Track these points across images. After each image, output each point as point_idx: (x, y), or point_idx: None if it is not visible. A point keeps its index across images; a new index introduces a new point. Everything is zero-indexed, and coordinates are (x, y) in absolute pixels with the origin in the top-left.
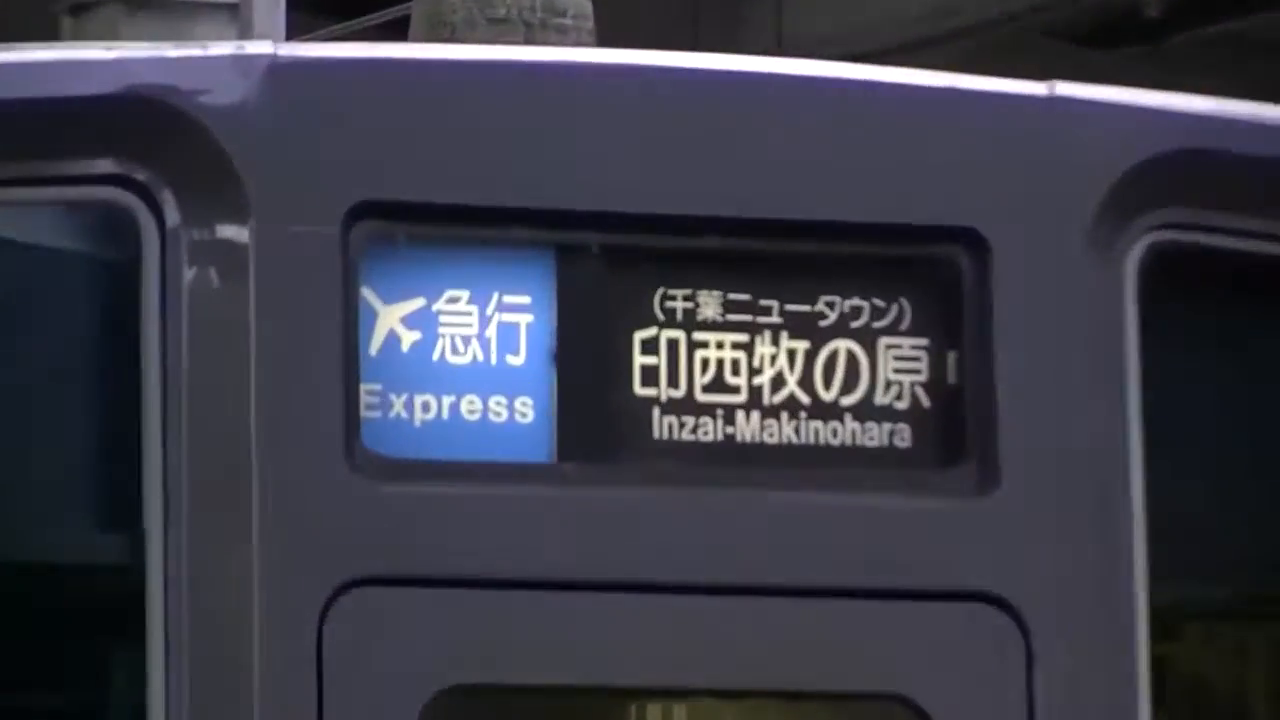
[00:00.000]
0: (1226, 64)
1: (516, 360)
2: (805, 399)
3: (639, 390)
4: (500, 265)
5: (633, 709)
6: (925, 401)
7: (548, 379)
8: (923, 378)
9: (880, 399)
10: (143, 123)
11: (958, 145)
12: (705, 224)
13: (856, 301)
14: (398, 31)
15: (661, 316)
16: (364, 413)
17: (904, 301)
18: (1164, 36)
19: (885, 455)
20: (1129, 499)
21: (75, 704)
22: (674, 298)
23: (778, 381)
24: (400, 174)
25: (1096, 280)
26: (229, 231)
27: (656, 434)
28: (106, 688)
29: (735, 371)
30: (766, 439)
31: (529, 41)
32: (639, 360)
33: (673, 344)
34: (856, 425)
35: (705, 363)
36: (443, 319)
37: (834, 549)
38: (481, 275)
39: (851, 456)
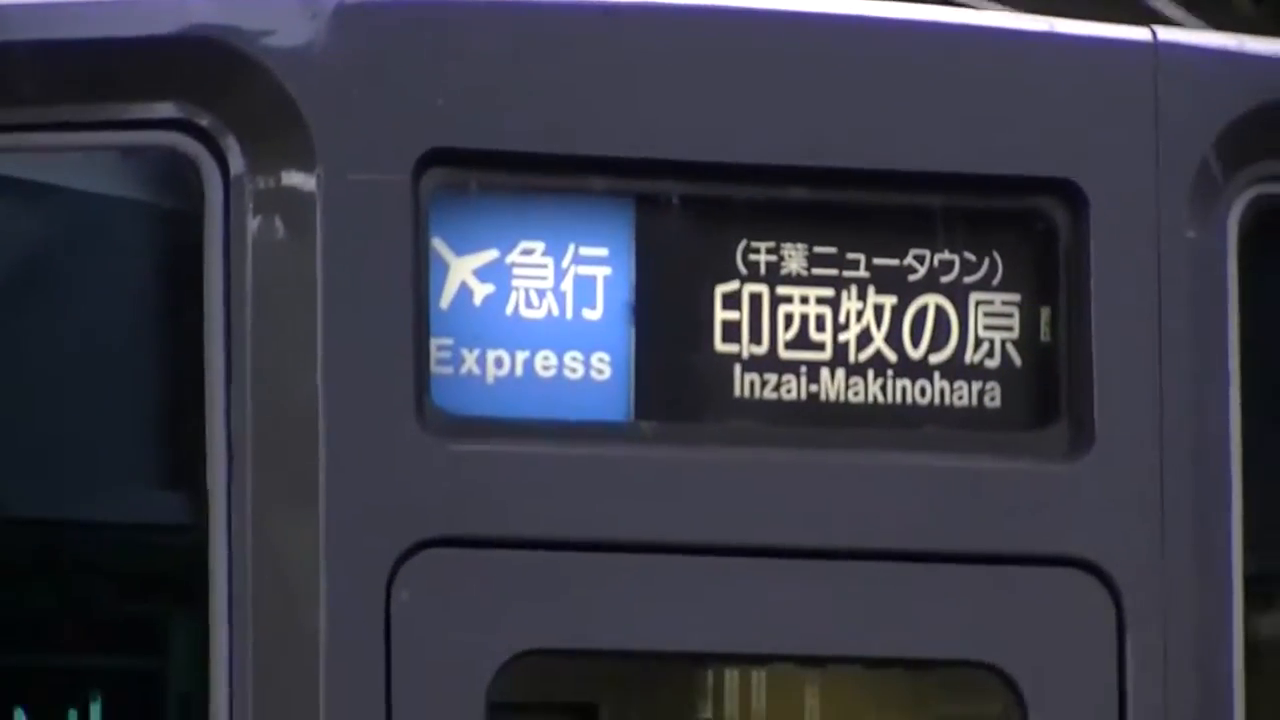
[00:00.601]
0: None
1: (593, 315)
2: (892, 356)
3: (720, 346)
4: (577, 216)
5: (710, 676)
6: (1017, 360)
7: (625, 334)
8: (1014, 335)
9: (970, 357)
10: (206, 66)
11: (1055, 93)
12: (790, 174)
13: (946, 255)
14: None
15: (744, 270)
16: (434, 369)
17: (996, 256)
18: None
19: (974, 415)
20: (1226, 462)
21: (138, 667)
22: (757, 250)
23: (864, 338)
24: (473, 120)
25: (1198, 235)
26: (295, 179)
27: (737, 392)
28: (169, 651)
29: (820, 327)
30: (851, 398)
31: None
32: (720, 315)
33: (755, 298)
34: (945, 384)
35: (789, 318)
36: (516, 271)
37: (920, 512)
38: (557, 226)
39: (939, 416)
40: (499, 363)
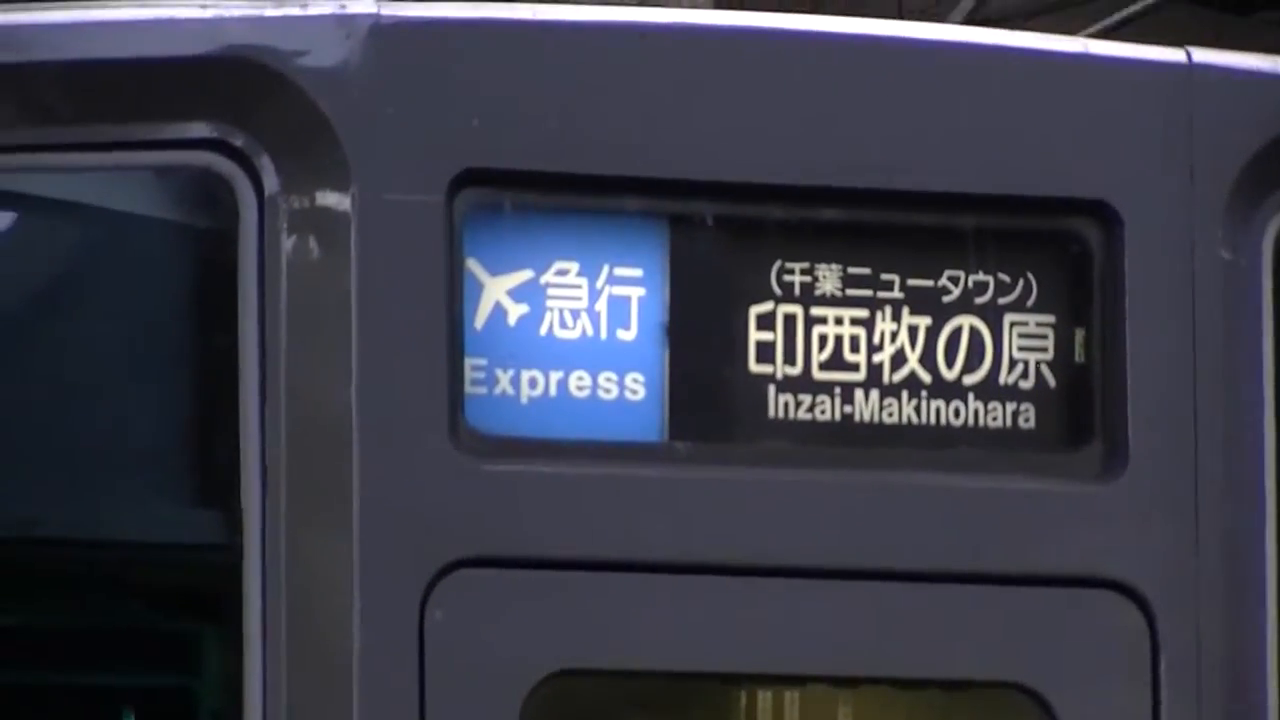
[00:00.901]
0: None
1: (627, 335)
2: (926, 377)
3: (754, 367)
4: (611, 236)
5: (744, 696)
6: (1051, 381)
7: (659, 355)
8: (1049, 356)
9: (1004, 378)
10: (240, 85)
11: (1090, 114)
12: (824, 195)
13: (981, 276)
14: None
15: (778, 291)
16: (468, 389)
17: (1030, 276)
18: None
19: (1009, 436)
20: (1260, 483)
21: (171, 685)
22: (791, 271)
23: (898, 359)
24: (507, 141)
25: (1232, 256)
26: (329, 199)
27: (771, 413)
28: (202, 670)
29: (854, 348)
30: (886, 419)
31: (643, 3)
32: (754, 336)
33: (789, 319)
34: (979, 405)
35: (823, 339)
36: (551, 291)
37: (954, 532)
38: (591, 246)
39: (974, 437)
40: (533, 383)
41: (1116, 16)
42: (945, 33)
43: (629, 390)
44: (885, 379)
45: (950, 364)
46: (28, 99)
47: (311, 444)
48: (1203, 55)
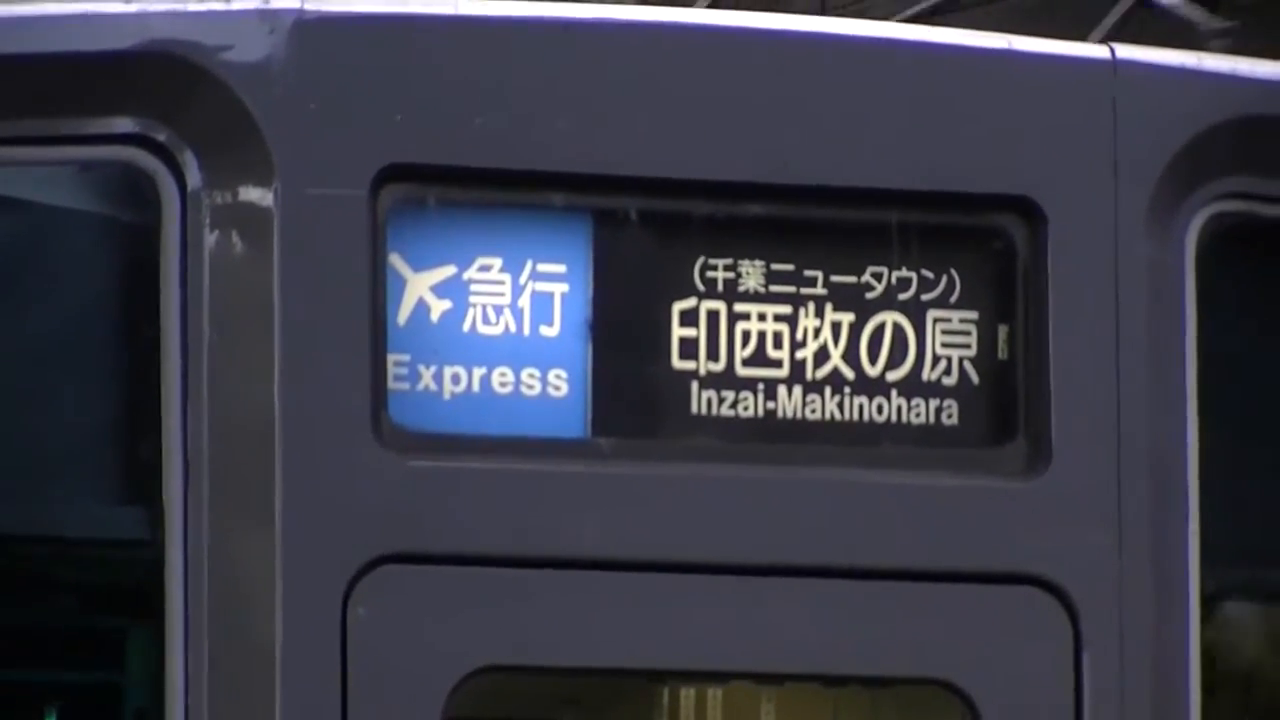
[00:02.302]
0: None
1: (550, 331)
2: (850, 374)
3: (677, 363)
4: (534, 232)
5: (667, 693)
6: (974, 377)
7: (582, 351)
8: (972, 353)
9: (927, 374)
10: (163, 80)
11: (1014, 110)
12: (748, 190)
13: (904, 273)
14: None
15: (701, 287)
16: (391, 384)
17: (954, 273)
18: None
19: (932, 433)
20: (1183, 480)
21: (93, 682)
22: (714, 267)
23: (821, 355)
24: (430, 136)
25: (1156, 252)
26: (252, 195)
27: (695, 409)
28: (125, 667)
29: (777, 345)
30: (809, 415)
31: None
32: (677, 332)
33: (713, 315)
34: (902, 401)
35: (746, 335)
36: (474, 288)
37: (876, 529)
38: (515, 242)
39: (897, 434)
40: (456, 379)
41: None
42: (868, 29)
43: (552, 386)
44: (808, 375)
45: (873, 360)
46: None
47: (234, 440)
48: (1126, 50)
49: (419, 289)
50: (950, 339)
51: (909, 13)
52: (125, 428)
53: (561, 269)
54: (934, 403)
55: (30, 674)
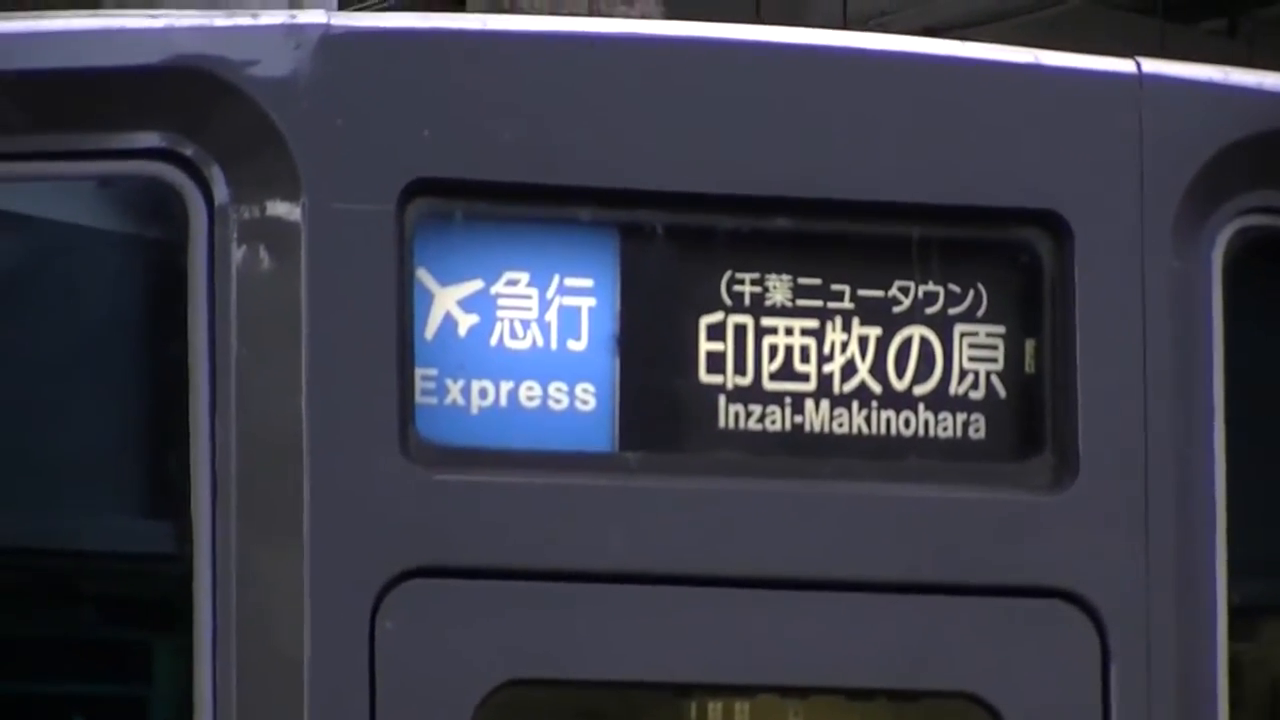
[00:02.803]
0: None
1: (578, 345)
2: (877, 388)
3: (704, 377)
4: (562, 246)
5: (694, 707)
6: (1001, 391)
7: (610, 365)
8: (999, 366)
9: (954, 388)
10: (190, 95)
11: (1039, 124)
12: (775, 205)
13: (931, 287)
14: (456, 3)
15: (729, 301)
16: (419, 399)
17: (981, 287)
18: (1243, 11)
19: (959, 447)
20: (1211, 493)
21: (122, 697)
22: (742, 281)
23: (848, 369)
24: (458, 150)
25: (1182, 266)
26: (280, 209)
27: (722, 423)
28: (153, 680)
29: (804, 359)
30: (836, 429)
31: (593, 12)
32: (705, 346)
33: (740, 330)
34: (929, 415)
35: (773, 349)
36: (501, 302)
37: (905, 543)
38: (542, 257)
39: (924, 448)
40: (483, 393)
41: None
42: (895, 43)
43: (579, 400)
44: (835, 389)
45: (900, 374)
46: None
47: (262, 454)
48: (1152, 65)
49: (446, 303)
50: (977, 353)
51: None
52: (153, 442)
53: (589, 283)
54: (961, 417)
55: (58, 686)
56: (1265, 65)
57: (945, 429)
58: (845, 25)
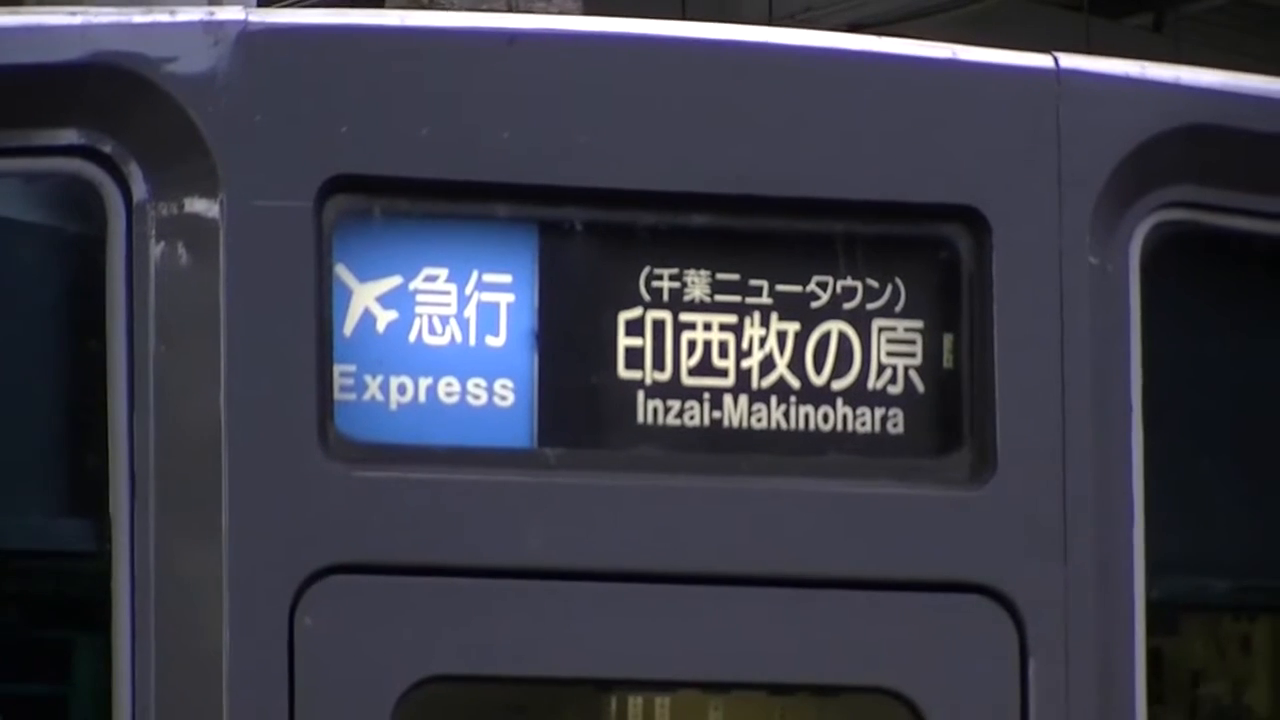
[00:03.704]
0: (1233, 35)
1: (496, 341)
2: (795, 383)
3: (623, 373)
4: (480, 243)
5: (614, 702)
6: (920, 386)
7: (528, 361)
8: (917, 362)
9: (873, 383)
10: (108, 92)
11: (957, 119)
12: (693, 201)
13: (849, 282)
14: None
15: (647, 296)
16: (337, 395)
17: (899, 282)
18: (1169, 6)
19: (877, 442)
20: (1129, 488)
21: (40, 695)
22: (660, 277)
23: (767, 364)
24: (376, 147)
25: (1100, 261)
26: (198, 206)
27: (641, 418)
28: (72, 678)
29: (723, 354)
30: (755, 424)
31: (512, 9)
32: (623, 342)
33: (658, 325)
34: (848, 410)
35: (692, 345)
36: (420, 298)
37: (823, 538)
38: (460, 253)
39: (843, 443)
40: (402, 389)
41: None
42: (813, 39)
43: (498, 396)
44: (754, 384)
45: (819, 369)
46: None
47: (180, 451)
48: (1070, 60)
49: (365, 299)
50: (895, 348)
51: (852, 21)
52: (71, 439)
53: (507, 279)
54: (879, 412)
55: None
56: (1191, 60)
57: (864, 424)
58: (771, 21)
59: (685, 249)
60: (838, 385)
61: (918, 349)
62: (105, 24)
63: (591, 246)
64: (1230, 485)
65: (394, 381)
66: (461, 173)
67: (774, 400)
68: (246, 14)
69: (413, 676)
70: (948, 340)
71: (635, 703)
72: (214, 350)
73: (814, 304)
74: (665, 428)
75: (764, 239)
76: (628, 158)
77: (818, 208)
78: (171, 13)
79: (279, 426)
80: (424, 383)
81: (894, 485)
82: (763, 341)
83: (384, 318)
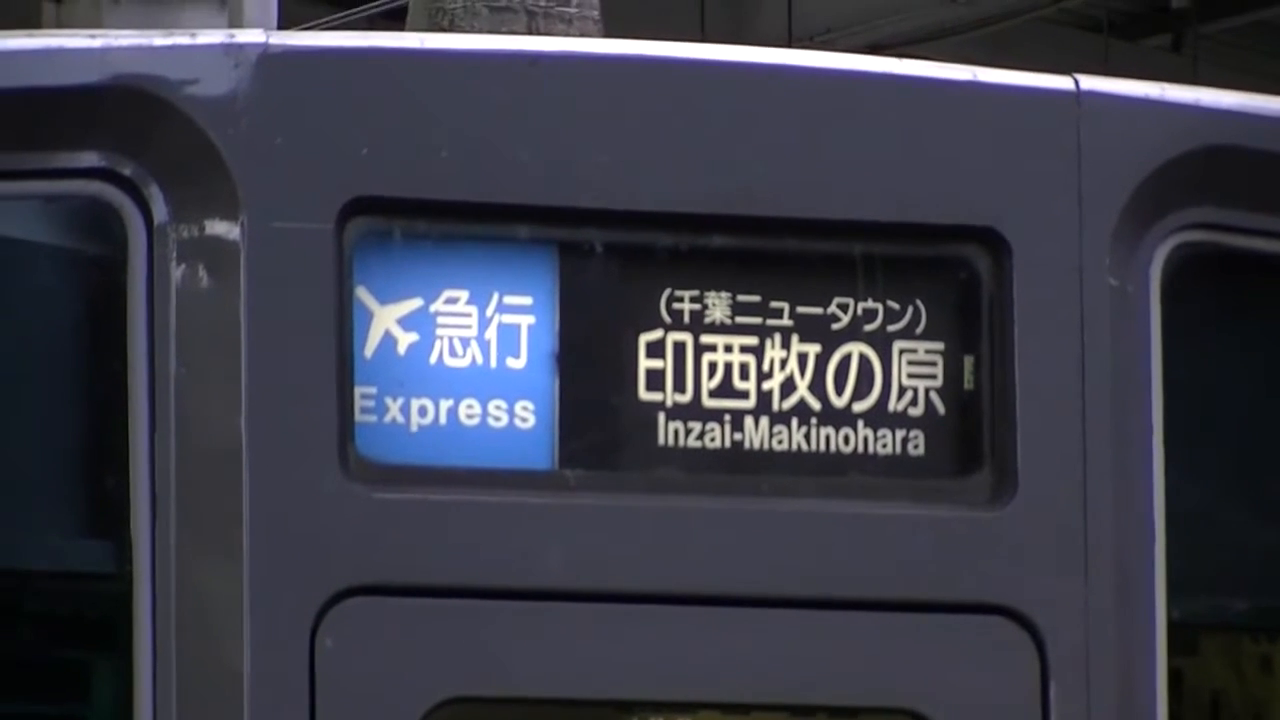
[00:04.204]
0: (1252, 57)
1: (517, 363)
2: (816, 405)
3: (644, 395)
4: (501, 265)
5: None
6: (940, 408)
7: (549, 383)
8: (938, 383)
9: (894, 405)
10: (129, 114)
11: (978, 141)
12: (714, 222)
13: (870, 304)
14: (395, 21)
15: (668, 318)
16: (358, 417)
17: (920, 304)
18: (1188, 28)
19: (898, 463)
20: (1150, 509)
21: (61, 716)
22: (681, 299)
23: (788, 386)
24: (397, 169)
25: (1120, 283)
26: (219, 228)
27: (661, 440)
28: (93, 699)
29: (744, 376)
30: (775, 446)
31: (532, 31)
32: (644, 364)
33: (679, 347)
34: (869, 432)
35: (713, 367)
36: (440, 320)
37: (844, 560)
38: (481, 275)
39: (863, 464)
40: (423, 411)
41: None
42: (834, 61)
43: (519, 418)
44: (775, 406)
45: (840, 391)
46: None
47: (201, 473)
48: (1090, 82)
49: (385, 321)
50: (916, 369)
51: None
52: (93, 461)
53: (528, 301)
54: (900, 433)
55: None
56: (1209, 81)
57: (884, 446)
58: (790, 43)
59: (706, 270)
60: (858, 407)
61: (938, 370)
62: (125, 46)
63: (612, 268)
64: (1251, 505)
65: (415, 403)
66: (482, 194)
67: (795, 422)
68: (267, 36)
69: (434, 698)
70: (968, 362)
71: None
72: (235, 372)
73: (835, 326)
74: (686, 449)
75: (784, 260)
76: (648, 179)
77: (838, 229)
78: (192, 35)
79: (300, 448)
80: (445, 404)
81: (914, 506)
82: (784, 363)
83: (405, 339)
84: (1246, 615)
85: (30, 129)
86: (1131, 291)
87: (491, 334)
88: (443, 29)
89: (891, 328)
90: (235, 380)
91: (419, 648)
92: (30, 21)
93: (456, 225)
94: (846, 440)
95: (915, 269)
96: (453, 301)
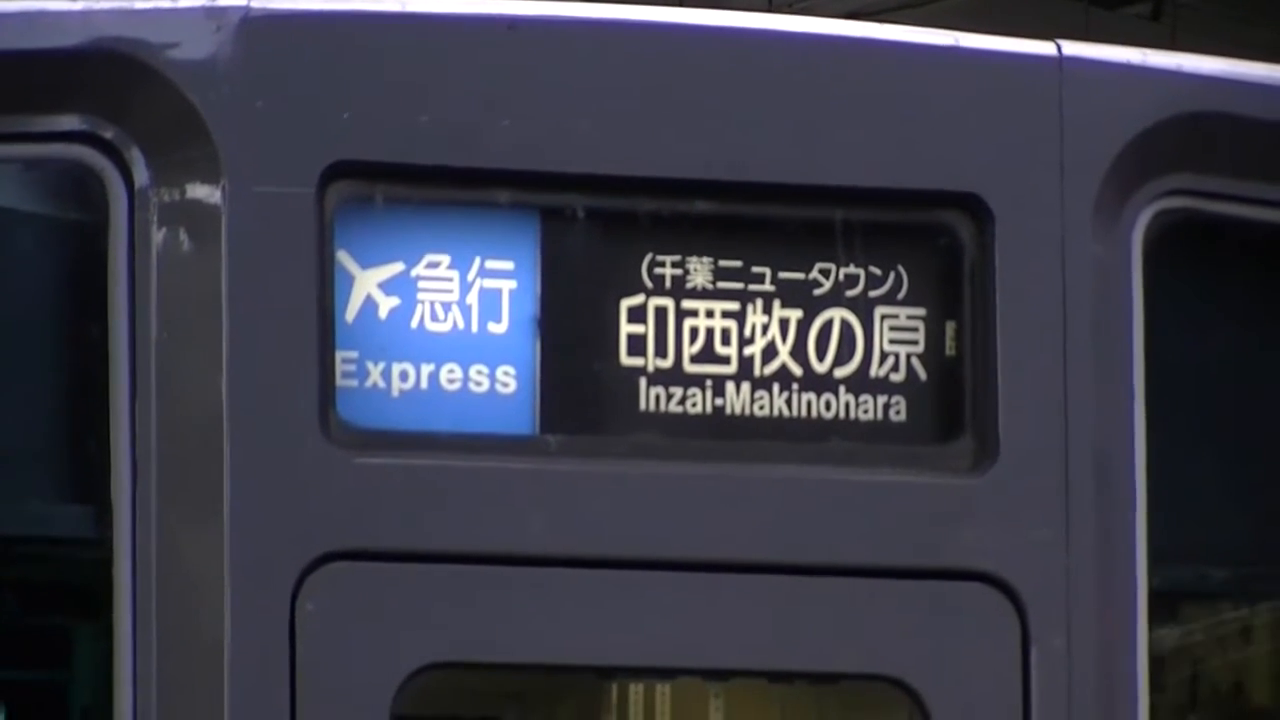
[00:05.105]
0: (1229, 25)
1: (498, 328)
2: (797, 370)
3: (625, 360)
4: (482, 229)
5: (615, 689)
6: (922, 374)
7: (530, 348)
8: (920, 349)
9: (875, 371)
10: (110, 78)
11: (960, 107)
12: (695, 188)
13: (852, 269)
14: None
15: (649, 284)
16: (339, 381)
17: (901, 270)
18: None
19: (879, 429)
20: (1131, 476)
21: (43, 679)
22: (662, 264)
23: (769, 352)
24: (378, 133)
25: (1102, 248)
26: (200, 192)
27: (643, 405)
28: (74, 664)
29: (725, 341)
30: (757, 411)
31: None
32: (625, 329)
33: (660, 312)
34: (850, 398)
35: (694, 332)
36: (422, 284)
37: (825, 525)
38: (463, 239)
39: (844, 430)
40: (404, 376)
41: None
42: (816, 26)
43: (500, 383)
44: (756, 372)
45: (821, 357)
46: None
47: (182, 437)
48: (1072, 48)
49: (367, 286)
50: (898, 335)
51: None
52: (73, 425)
53: (509, 266)
54: (881, 399)
55: None
56: (1188, 49)
57: (866, 411)
58: (771, 8)
59: (687, 236)
60: (840, 373)
61: (920, 336)
62: (107, 10)
63: (593, 233)
64: (1232, 473)
65: (396, 368)
66: (463, 159)
67: (776, 388)
68: (249, 1)
69: (414, 663)
70: (950, 328)
71: (636, 690)
72: (216, 336)
73: (816, 291)
74: (667, 415)
75: (766, 226)
76: (629, 144)
77: (820, 195)
78: None
79: (281, 413)
80: (426, 369)
81: (896, 473)
82: (765, 329)
83: (386, 304)
84: (1227, 582)
85: (10, 92)
86: (1114, 257)
87: (473, 299)
88: None
89: (873, 293)
90: (216, 345)
91: (399, 612)
92: None
93: (438, 190)
94: (828, 406)
95: (897, 235)
96: (434, 266)
